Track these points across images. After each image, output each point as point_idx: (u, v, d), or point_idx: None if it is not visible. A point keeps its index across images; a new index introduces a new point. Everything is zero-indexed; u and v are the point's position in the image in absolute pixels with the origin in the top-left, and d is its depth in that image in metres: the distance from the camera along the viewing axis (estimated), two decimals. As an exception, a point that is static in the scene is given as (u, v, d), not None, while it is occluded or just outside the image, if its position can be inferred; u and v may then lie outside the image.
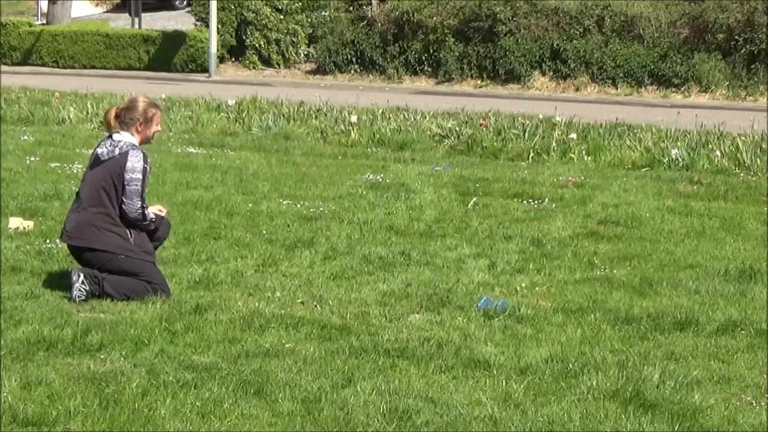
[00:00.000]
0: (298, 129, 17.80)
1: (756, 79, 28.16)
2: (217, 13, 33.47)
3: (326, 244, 9.60)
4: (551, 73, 30.44)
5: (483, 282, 8.43)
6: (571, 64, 30.00)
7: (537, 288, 8.29)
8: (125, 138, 7.71)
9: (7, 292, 7.62)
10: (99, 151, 7.74)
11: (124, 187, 7.61)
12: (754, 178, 14.01)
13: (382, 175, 13.64)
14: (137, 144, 7.74)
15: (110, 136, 7.76)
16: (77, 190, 7.92)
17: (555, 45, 30.19)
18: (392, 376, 6.14)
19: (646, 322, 7.34)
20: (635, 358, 6.56)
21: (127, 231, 7.69)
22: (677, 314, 7.47)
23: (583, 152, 15.46)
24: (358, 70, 33.05)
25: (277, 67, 34.69)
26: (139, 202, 7.64)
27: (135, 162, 7.62)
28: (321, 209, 11.24)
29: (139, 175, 7.62)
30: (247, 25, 34.72)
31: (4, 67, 33.25)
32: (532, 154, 15.57)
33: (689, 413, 5.67)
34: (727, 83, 28.35)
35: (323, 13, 34.61)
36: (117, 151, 7.64)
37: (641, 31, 29.68)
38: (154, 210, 7.92)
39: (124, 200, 7.62)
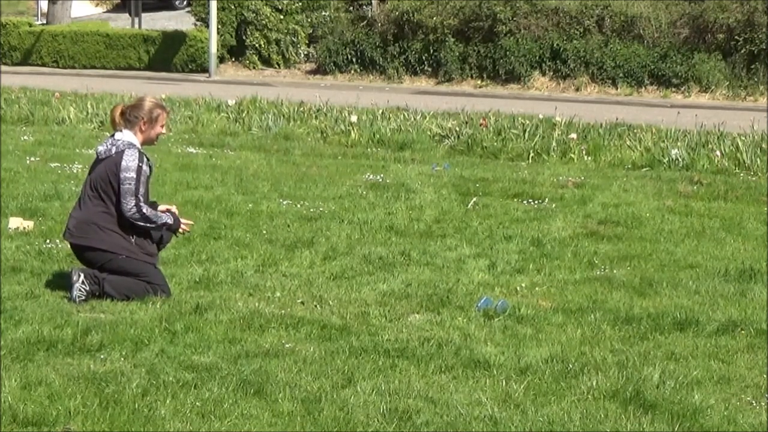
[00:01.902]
0: (298, 129, 17.80)
1: (756, 79, 28.15)
2: (217, 13, 33.47)
3: (326, 244, 9.60)
4: (551, 73, 30.44)
5: (483, 282, 8.43)
6: (571, 64, 29.99)
7: (537, 288, 8.29)
8: (125, 137, 7.71)
9: (7, 292, 7.62)
10: (99, 148, 7.77)
11: (119, 186, 7.61)
12: (754, 178, 14.01)
13: (382, 175, 13.64)
14: (137, 144, 7.73)
15: (112, 135, 7.78)
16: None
17: (555, 45, 30.19)
18: (392, 376, 6.14)
19: (646, 322, 7.34)
20: (635, 358, 6.56)
21: (127, 229, 7.67)
22: (677, 314, 7.47)
23: (583, 152, 15.46)
24: (358, 70, 33.05)
25: (277, 67, 34.70)
26: (133, 201, 7.59)
27: (129, 161, 7.59)
28: (321, 209, 11.24)
29: (133, 174, 7.57)
30: (247, 25, 34.72)
31: (4, 67, 33.25)
32: (532, 154, 15.58)
33: (689, 413, 5.67)
34: (727, 83, 28.35)
35: (323, 13, 34.61)
36: (114, 150, 7.64)
37: (641, 31, 29.67)
38: (163, 208, 7.90)
39: (120, 200, 7.61)
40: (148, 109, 7.78)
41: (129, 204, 7.59)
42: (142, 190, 7.64)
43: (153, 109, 7.80)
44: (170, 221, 7.83)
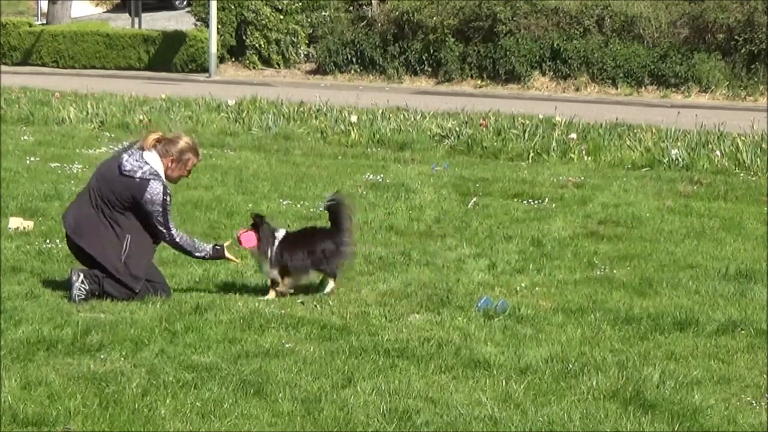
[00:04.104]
0: (298, 129, 17.80)
1: (756, 79, 28.16)
2: (217, 13, 33.47)
3: (326, 244, 9.59)
4: (551, 73, 30.45)
5: (483, 282, 8.43)
6: (571, 64, 30.00)
7: (537, 288, 8.29)
8: (152, 162, 7.61)
9: (7, 292, 7.61)
10: (125, 158, 7.62)
11: (146, 215, 7.57)
12: (754, 178, 14.01)
13: (382, 175, 13.64)
14: (161, 173, 7.64)
15: (142, 149, 7.68)
16: (90, 179, 7.90)
17: (555, 45, 30.20)
18: (392, 376, 6.14)
19: (646, 322, 7.34)
20: (635, 358, 6.55)
21: (122, 245, 7.61)
22: (677, 314, 7.46)
23: (583, 152, 15.46)
24: (358, 70, 33.05)
25: (277, 67, 34.70)
26: (165, 231, 7.64)
27: (154, 194, 7.53)
28: (321, 209, 11.23)
29: (159, 207, 7.55)
30: (247, 25, 34.73)
31: (4, 67, 33.25)
32: (532, 154, 15.58)
33: (689, 413, 5.67)
34: (727, 83, 28.35)
35: (323, 13, 34.62)
36: (139, 174, 7.54)
37: (641, 31, 29.68)
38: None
39: (157, 230, 7.65)
40: (180, 148, 7.73)
41: (165, 235, 7.69)
42: (169, 218, 7.66)
43: (185, 152, 7.75)
44: (207, 256, 7.87)
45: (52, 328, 6.80)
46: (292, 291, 7.92)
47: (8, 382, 5.84)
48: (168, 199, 7.63)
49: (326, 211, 8.24)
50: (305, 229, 8.47)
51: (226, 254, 7.91)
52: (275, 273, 7.88)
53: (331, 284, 7.94)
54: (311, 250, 7.92)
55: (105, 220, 7.58)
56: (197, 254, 7.88)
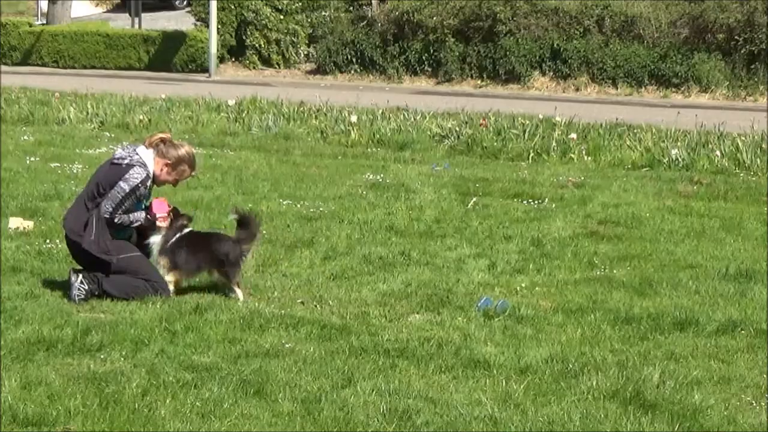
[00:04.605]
0: (298, 129, 17.80)
1: (756, 79, 28.17)
2: (217, 13, 33.48)
3: (326, 244, 9.60)
4: (551, 73, 30.45)
5: (483, 282, 8.43)
6: (571, 64, 30.01)
7: (537, 288, 8.29)
8: (144, 155, 7.67)
9: (7, 292, 7.62)
10: (117, 153, 7.75)
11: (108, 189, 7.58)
12: (754, 178, 14.02)
13: (382, 175, 13.64)
14: (150, 166, 7.66)
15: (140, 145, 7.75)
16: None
17: (555, 45, 30.21)
18: (392, 376, 6.14)
19: (646, 322, 7.34)
20: (635, 358, 6.56)
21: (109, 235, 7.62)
22: (677, 314, 7.47)
23: (583, 152, 15.47)
24: (358, 70, 33.06)
25: (277, 67, 34.70)
26: (111, 209, 7.56)
27: (132, 177, 7.57)
28: (321, 209, 11.24)
29: (126, 189, 7.56)
30: (247, 25, 34.73)
31: (4, 67, 33.24)
32: (532, 154, 15.58)
33: (689, 413, 5.68)
34: (727, 83, 28.36)
35: (323, 13, 34.63)
36: (127, 161, 7.62)
37: (641, 31, 29.69)
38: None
39: (104, 198, 7.58)
40: (179, 156, 7.76)
41: (107, 209, 7.58)
42: (126, 205, 7.61)
43: (182, 161, 7.78)
44: (141, 222, 7.74)
45: (52, 328, 6.80)
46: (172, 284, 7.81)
47: (8, 382, 5.85)
48: (141, 189, 7.62)
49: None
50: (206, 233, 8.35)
51: (159, 223, 7.80)
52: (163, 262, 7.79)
53: (238, 292, 7.80)
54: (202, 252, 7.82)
55: (94, 213, 7.59)
56: (134, 225, 7.77)
